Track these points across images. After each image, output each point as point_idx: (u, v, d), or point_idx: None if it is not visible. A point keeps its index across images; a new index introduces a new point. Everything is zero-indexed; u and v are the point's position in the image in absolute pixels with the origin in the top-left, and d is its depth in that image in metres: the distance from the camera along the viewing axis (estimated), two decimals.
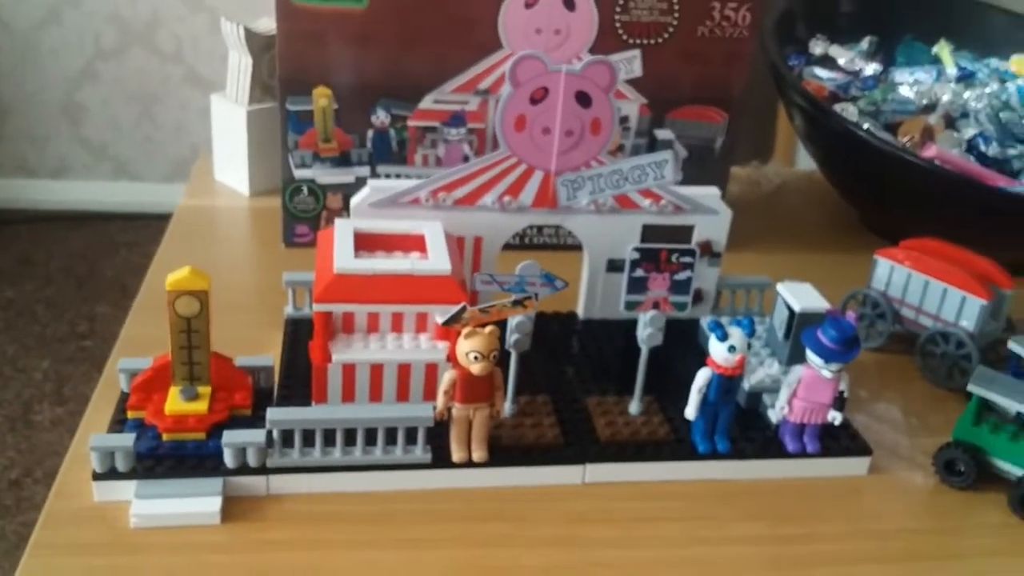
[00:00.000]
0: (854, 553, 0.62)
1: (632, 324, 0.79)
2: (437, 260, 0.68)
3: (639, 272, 0.64)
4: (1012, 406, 0.65)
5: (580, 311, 0.83)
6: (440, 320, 0.65)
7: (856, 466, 0.70)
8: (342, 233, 0.70)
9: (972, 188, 0.95)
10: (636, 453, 0.67)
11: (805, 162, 1.43)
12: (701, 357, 0.78)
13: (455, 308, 0.63)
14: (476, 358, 0.61)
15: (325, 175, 0.93)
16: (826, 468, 0.69)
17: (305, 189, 0.93)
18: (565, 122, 0.74)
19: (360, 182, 0.94)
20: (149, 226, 2.53)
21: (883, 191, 1.04)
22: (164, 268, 0.91)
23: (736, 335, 0.63)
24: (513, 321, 0.64)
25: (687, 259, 0.64)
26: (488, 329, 0.62)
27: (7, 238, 2.43)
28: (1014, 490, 0.66)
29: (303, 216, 0.95)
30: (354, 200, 0.76)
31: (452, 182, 0.76)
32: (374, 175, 0.94)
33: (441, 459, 0.64)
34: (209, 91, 2.53)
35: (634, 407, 0.70)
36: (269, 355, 0.71)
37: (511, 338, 0.65)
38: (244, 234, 1.02)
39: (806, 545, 0.63)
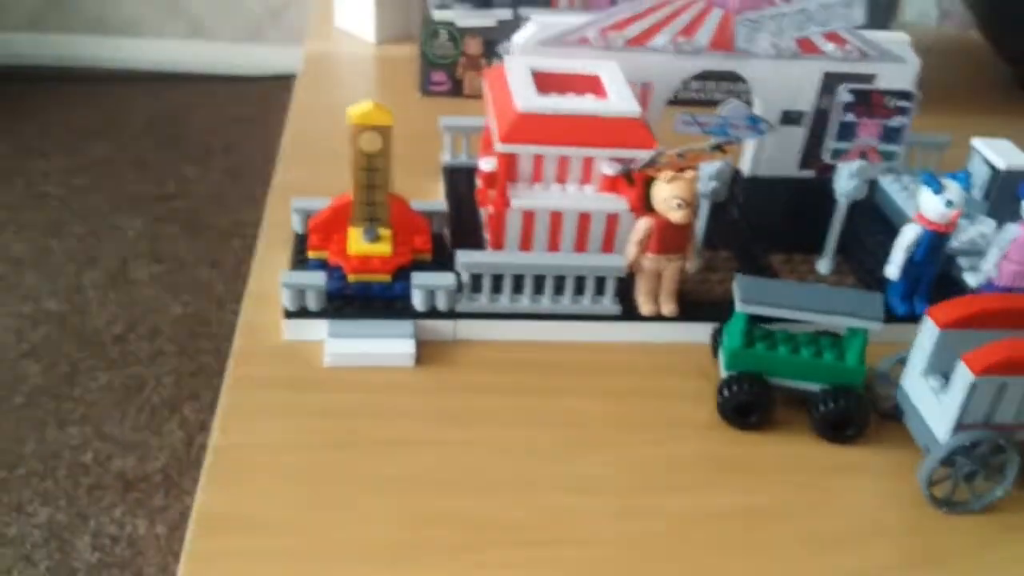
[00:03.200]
0: None
1: (800, 183, 0.74)
2: (624, 101, 0.64)
3: (849, 117, 0.59)
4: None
5: (746, 167, 0.78)
6: (614, 167, 0.61)
7: None
8: (517, 71, 0.66)
9: None
10: None
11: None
12: (880, 216, 0.74)
13: (649, 152, 0.59)
14: (679, 205, 0.58)
15: (465, 17, 0.88)
16: None
17: (444, 33, 0.88)
18: None
19: (503, 25, 0.89)
20: (226, 88, 2.50)
21: None
22: (301, 116, 0.89)
23: (954, 189, 0.59)
24: (712, 167, 0.61)
25: (905, 103, 0.59)
26: (690, 175, 0.58)
27: (84, 96, 2.41)
28: None
29: (440, 62, 0.90)
30: (518, 37, 0.71)
31: (624, 19, 0.70)
32: (517, 18, 0.88)
33: (628, 311, 0.62)
34: None
35: (824, 266, 0.66)
36: (438, 200, 0.68)
37: (708, 185, 0.61)
38: (375, 83, 0.98)
39: None
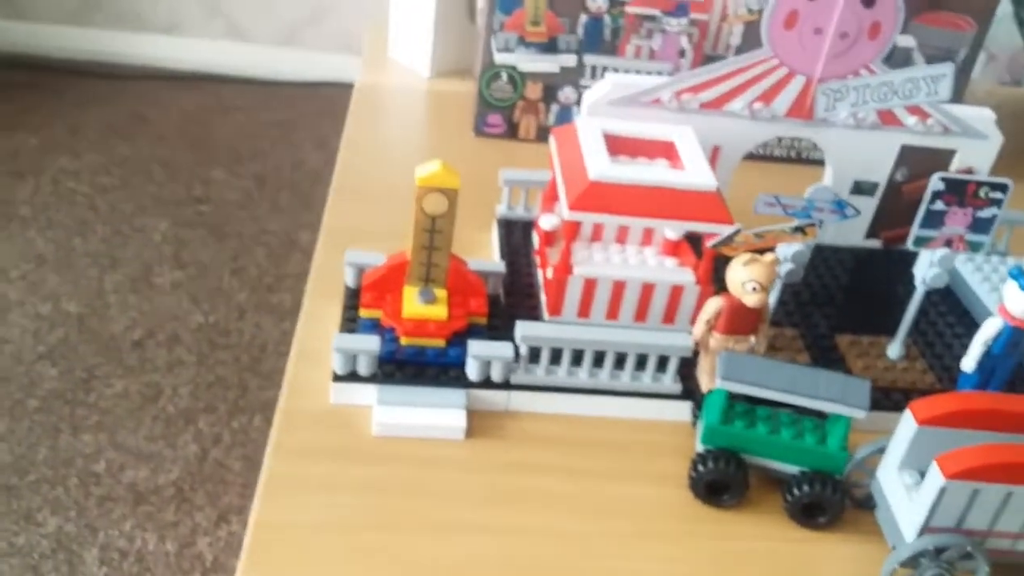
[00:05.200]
0: None
1: (866, 254, 0.72)
2: (700, 174, 0.61)
3: (939, 205, 0.56)
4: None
5: None
6: (710, 243, 0.59)
7: None
8: (589, 134, 0.63)
9: None
10: (898, 403, 0.61)
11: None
12: (955, 298, 0.71)
13: (727, 229, 0.56)
14: (754, 289, 0.55)
15: (528, 62, 0.85)
16: None
17: (504, 76, 0.86)
18: (842, 22, 0.65)
19: (565, 72, 0.86)
20: (260, 91, 2.48)
21: None
22: (352, 149, 0.87)
23: None
24: (789, 249, 0.58)
25: (997, 195, 0.56)
26: (769, 258, 0.55)
27: (118, 92, 2.40)
28: None
29: (499, 105, 0.88)
30: (590, 96, 0.68)
31: (701, 83, 0.68)
32: (580, 65, 0.86)
33: (689, 390, 0.59)
34: None
35: (894, 351, 0.63)
36: (498, 260, 0.66)
37: (784, 268, 0.59)
38: (427, 119, 0.95)
39: None
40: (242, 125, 2.34)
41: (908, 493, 0.49)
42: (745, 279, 0.55)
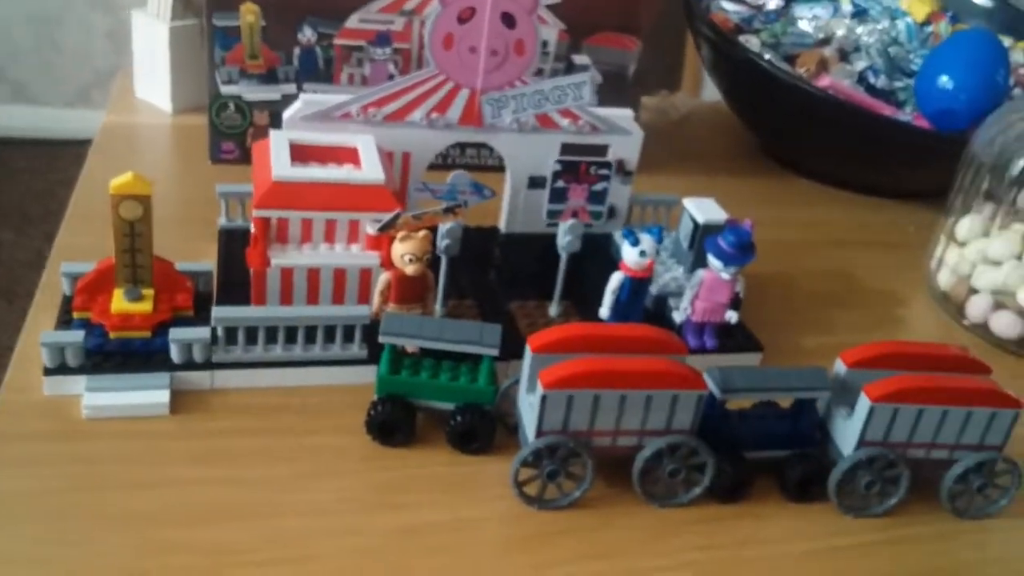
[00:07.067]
0: None
1: (549, 238, 0.85)
2: (371, 170, 0.72)
3: (560, 183, 0.69)
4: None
5: (502, 225, 0.88)
6: (375, 227, 0.69)
7: (749, 360, 0.78)
8: (278, 144, 0.73)
9: (862, 116, 1.03)
10: None
11: (710, 94, 1.50)
12: (614, 267, 0.85)
13: (390, 214, 0.67)
14: (411, 260, 0.66)
15: (252, 92, 0.95)
16: (722, 362, 0.77)
17: (232, 106, 0.95)
18: (491, 41, 0.78)
19: (287, 99, 0.95)
20: (51, 153, 2.45)
21: (781, 119, 1.11)
22: (92, 183, 0.93)
23: (646, 241, 0.70)
24: (444, 227, 0.69)
25: (603, 171, 0.69)
26: (421, 234, 0.66)
27: None
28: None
29: (230, 132, 0.97)
30: (287, 113, 0.78)
31: (382, 98, 0.79)
32: (300, 92, 0.95)
33: (376, 355, 0.69)
34: (114, 14, 2.44)
35: (553, 310, 0.76)
36: (207, 262, 0.74)
37: (442, 243, 0.70)
38: (169, 151, 1.03)
39: None
40: (33, 186, 2.31)
41: (531, 409, 0.61)
42: (402, 252, 0.66)
